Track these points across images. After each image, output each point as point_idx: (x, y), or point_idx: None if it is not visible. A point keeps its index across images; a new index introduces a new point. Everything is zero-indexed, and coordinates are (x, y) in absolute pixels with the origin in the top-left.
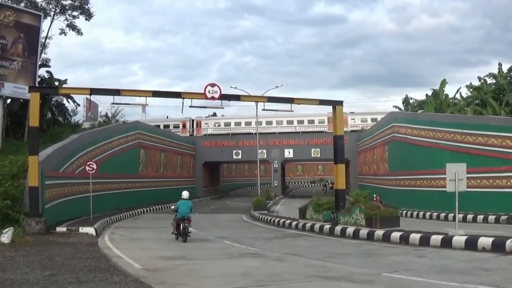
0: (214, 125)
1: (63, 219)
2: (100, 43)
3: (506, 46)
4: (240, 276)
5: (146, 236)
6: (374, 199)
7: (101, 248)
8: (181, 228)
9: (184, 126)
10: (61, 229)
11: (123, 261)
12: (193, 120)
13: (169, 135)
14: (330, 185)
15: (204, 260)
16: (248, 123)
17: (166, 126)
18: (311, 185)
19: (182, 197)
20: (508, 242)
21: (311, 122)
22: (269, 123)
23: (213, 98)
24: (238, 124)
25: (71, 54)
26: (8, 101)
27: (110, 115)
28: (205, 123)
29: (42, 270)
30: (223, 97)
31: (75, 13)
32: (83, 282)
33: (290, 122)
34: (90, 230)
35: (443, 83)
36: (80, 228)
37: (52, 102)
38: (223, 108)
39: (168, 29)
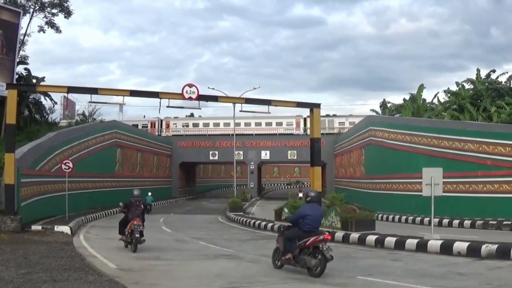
0: (182, 126)
1: (38, 217)
2: (78, 41)
3: (484, 52)
4: (215, 277)
5: (120, 236)
6: None
7: (76, 247)
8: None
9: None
10: (36, 227)
11: (98, 261)
12: (161, 121)
13: (146, 134)
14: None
15: (179, 260)
16: (227, 124)
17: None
18: (287, 187)
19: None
20: (483, 247)
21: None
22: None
23: (190, 98)
24: (206, 125)
25: (48, 52)
26: None
27: (87, 114)
28: (173, 123)
29: (16, 268)
30: (201, 97)
31: (54, 11)
32: (57, 281)
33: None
34: (65, 229)
35: (421, 87)
36: (56, 226)
37: (30, 100)
38: (201, 108)
39: (146, 28)
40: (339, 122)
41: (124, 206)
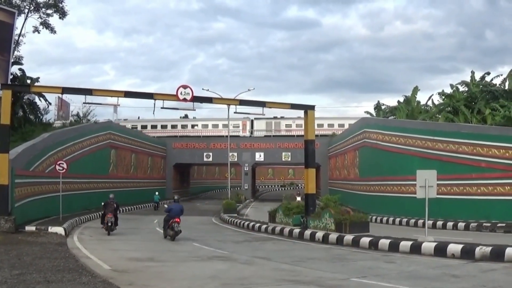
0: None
1: (32, 218)
2: (72, 42)
3: (479, 54)
4: (209, 279)
5: (115, 237)
6: None
7: (70, 248)
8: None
9: None
10: (30, 228)
11: (91, 262)
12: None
13: (140, 136)
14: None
15: (172, 262)
16: (174, 126)
17: None
18: (281, 189)
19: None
20: (477, 249)
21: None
22: (182, 127)
23: (185, 100)
24: (154, 127)
25: (43, 52)
26: None
27: (81, 115)
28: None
29: (10, 269)
30: (195, 99)
31: (49, 11)
32: (51, 282)
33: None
34: (59, 229)
35: (415, 89)
36: (49, 227)
37: (24, 100)
38: (195, 110)
39: (140, 29)
40: (285, 124)
41: (104, 205)
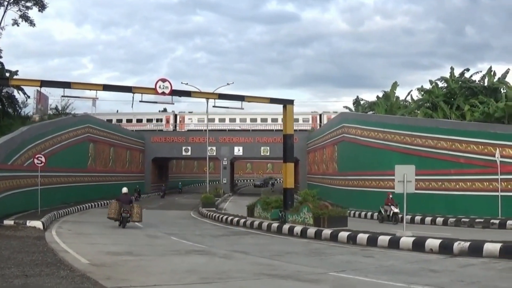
0: None
1: (10, 212)
2: (51, 35)
3: (458, 51)
4: (187, 272)
5: (93, 231)
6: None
7: (48, 242)
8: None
9: None
10: (8, 222)
11: (70, 256)
12: None
13: (119, 129)
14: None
15: (151, 256)
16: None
17: None
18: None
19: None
20: (455, 244)
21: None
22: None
23: (163, 93)
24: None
25: (21, 45)
26: None
27: (60, 108)
28: None
29: None
30: (174, 92)
31: (28, 4)
32: (29, 276)
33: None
34: (38, 223)
35: (395, 85)
36: (28, 221)
37: (2, 94)
38: (173, 103)
39: (119, 22)
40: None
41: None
